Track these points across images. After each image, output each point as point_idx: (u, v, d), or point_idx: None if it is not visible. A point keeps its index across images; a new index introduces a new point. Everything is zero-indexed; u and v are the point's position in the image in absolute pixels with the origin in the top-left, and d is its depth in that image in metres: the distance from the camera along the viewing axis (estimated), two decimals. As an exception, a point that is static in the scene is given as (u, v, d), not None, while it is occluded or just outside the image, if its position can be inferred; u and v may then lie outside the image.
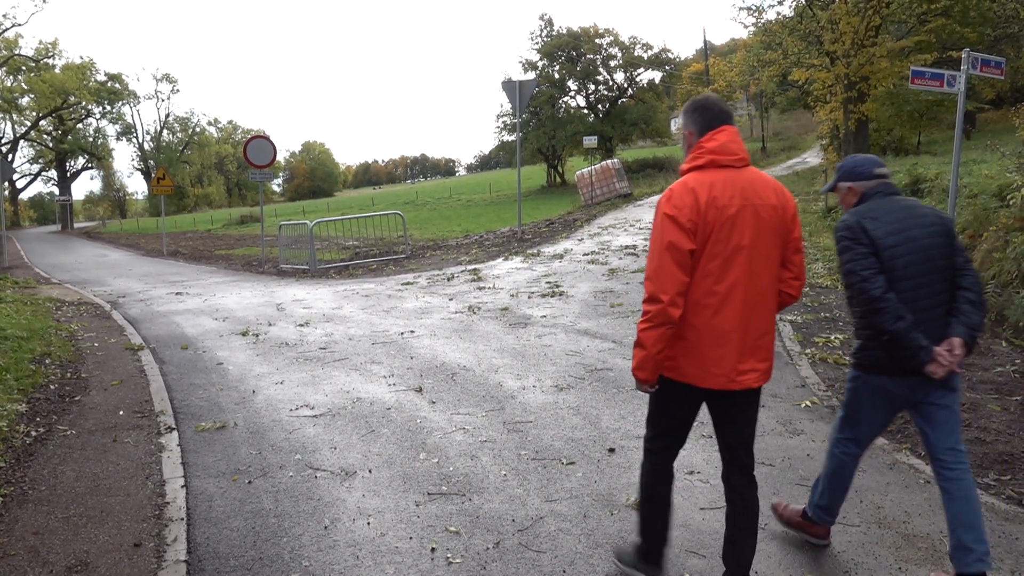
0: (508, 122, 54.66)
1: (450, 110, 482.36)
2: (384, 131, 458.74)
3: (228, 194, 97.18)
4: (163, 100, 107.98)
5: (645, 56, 55.24)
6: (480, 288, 12.06)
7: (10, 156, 59.15)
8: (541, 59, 55.17)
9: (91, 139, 68.91)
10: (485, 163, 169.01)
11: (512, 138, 52.47)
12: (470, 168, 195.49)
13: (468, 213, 38.10)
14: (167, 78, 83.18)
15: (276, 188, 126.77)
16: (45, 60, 61.41)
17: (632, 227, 19.83)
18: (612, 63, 55.88)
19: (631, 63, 55.38)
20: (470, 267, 14.99)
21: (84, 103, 63.87)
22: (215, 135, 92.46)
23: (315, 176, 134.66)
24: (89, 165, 72.07)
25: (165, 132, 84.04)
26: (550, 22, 56.50)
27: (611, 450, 4.96)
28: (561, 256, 15.43)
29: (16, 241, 38.87)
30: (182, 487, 4.62)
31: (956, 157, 8.61)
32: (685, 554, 3.65)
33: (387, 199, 66.12)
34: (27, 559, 3.78)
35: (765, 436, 5.15)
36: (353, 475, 4.72)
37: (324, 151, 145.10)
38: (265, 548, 3.84)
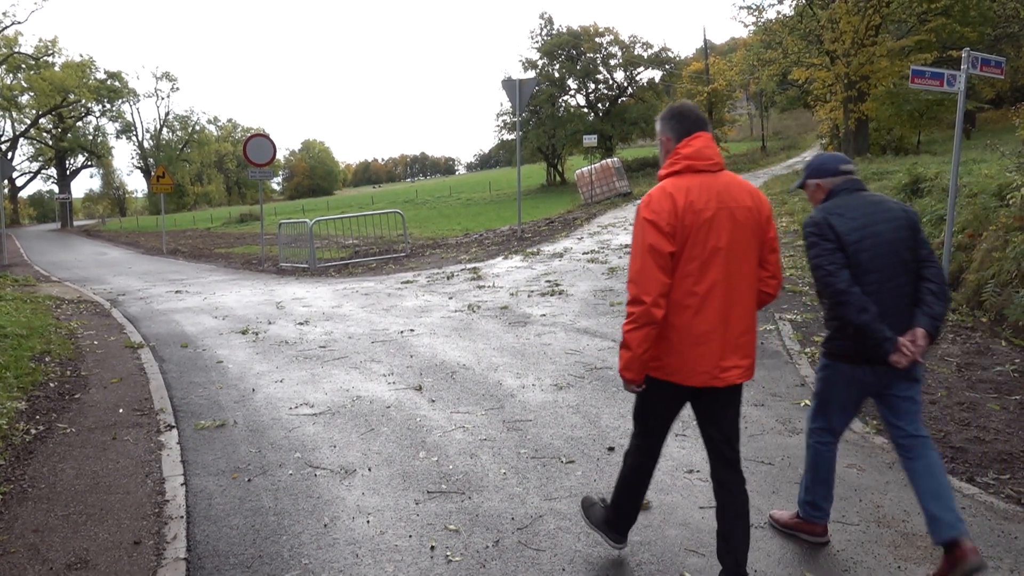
0: (508, 121, 54.69)
1: (450, 109, 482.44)
2: (384, 130, 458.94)
3: (228, 192, 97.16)
4: (163, 98, 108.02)
5: (645, 55, 55.26)
6: (480, 287, 12.06)
7: (10, 154, 59.15)
8: (541, 58, 55.21)
9: (91, 137, 68.85)
10: (485, 162, 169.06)
11: (512, 137, 52.47)
12: (470, 167, 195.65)
13: (468, 212, 38.11)
14: (167, 76, 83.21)
15: (276, 186, 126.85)
16: (45, 58, 61.38)
17: (632, 226, 19.81)
18: (612, 62, 55.91)
19: (631, 62, 55.41)
20: (470, 266, 15.00)
21: (84, 101, 63.82)
22: (215, 133, 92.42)
23: (315, 174, 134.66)
24: (89, 163, 72.04)
25: (165, 130, 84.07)
26: (550, 21, 56.58)
27: (610, 448, 4.96)
28: (561, 255, 15.43)
29: (16, 239, 38.86)
30: (182, 485, 4.63)
31: (956, 156, 8.62)
32: (684, 552, 3.65)
33: (387, 198, 66.13)
34: (27, 556, 3.79)
35: (764, 435, 5.16)
36: (353, 473, 4.73)
37: (324, 149, 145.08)
38: (265, 546, 3.84)
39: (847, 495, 4.21)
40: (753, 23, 32.36)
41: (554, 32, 55.98)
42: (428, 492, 4.41)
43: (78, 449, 5.30)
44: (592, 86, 56.72)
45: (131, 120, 76.14)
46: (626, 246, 15.64)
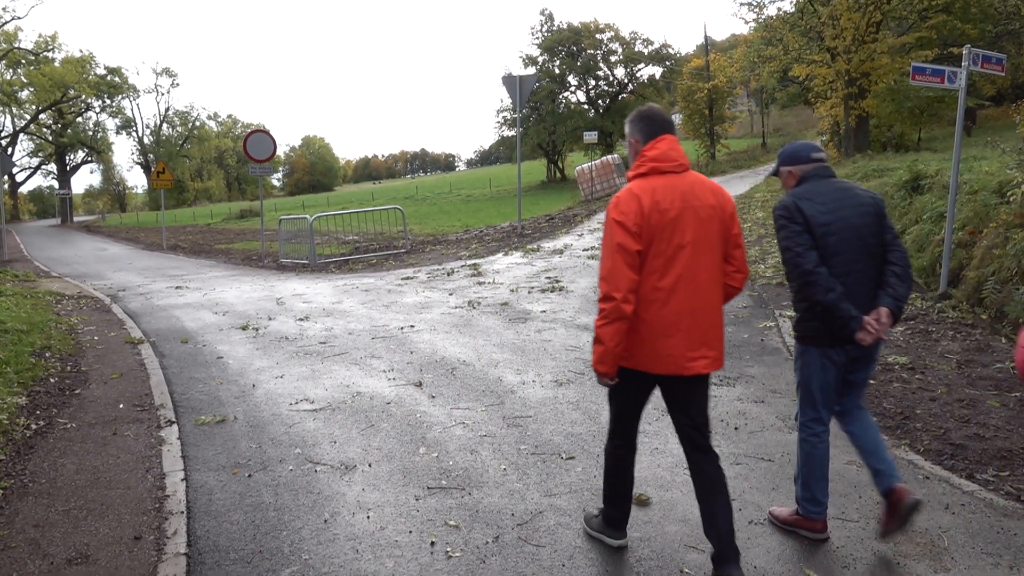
0: (508, 117, 54.65)
1: (450, 105, 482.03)
2: (384, 126, 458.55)
3: (228, 188, 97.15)
4: (163, 94, 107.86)
5: (646, 51, 55.21)
6: (480, 283, 12.06)
7: (10, 149, 59.04)
8: (541, 54, 55.15)
9: (91, 133, 68.75)
10: (485, 158, 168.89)
11: (512, 133, 52.42)
12: (470, 163, 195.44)
13: (468, 208, 38.09)
14: (167, 72, 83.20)
15: (276, 182, 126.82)
16: (45, 53, 61.24)
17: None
18: (612, 58, 55.86)
19: (632, 58, 55.33)
20: (470, 262, 14.99)
21: (84, 97, 63.73)
22: (215, 129, 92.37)
23: (315, 171, 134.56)
24: (89, 159, 71.95)
25: (165, 126, 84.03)
26: (551, 17, 56.47)
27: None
28: (561, 251, 15.43)
29: (16, 235, 38.83)
30: (182, 480, 4.63)
31: (956, 153, 8.61)
32: (684, 548, 3.66)
33: (387, 194, 66.09)
34: (27, 551, 3.79)
35: (764, 431, 5.17)
36: (353, 469, 4.73)
37: (324, 146, 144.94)
38: (265, 541, 3.85)
39: (846, 492, 4.22)
40: (754, 20, 32.29)
41: (555, 28, 55.91)
42: (428, 488, 4.42)
43: (78, 444, 5.30)
44: (593, 82, 56.67)
45: (131, 116, 76.20)
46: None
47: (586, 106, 56.30)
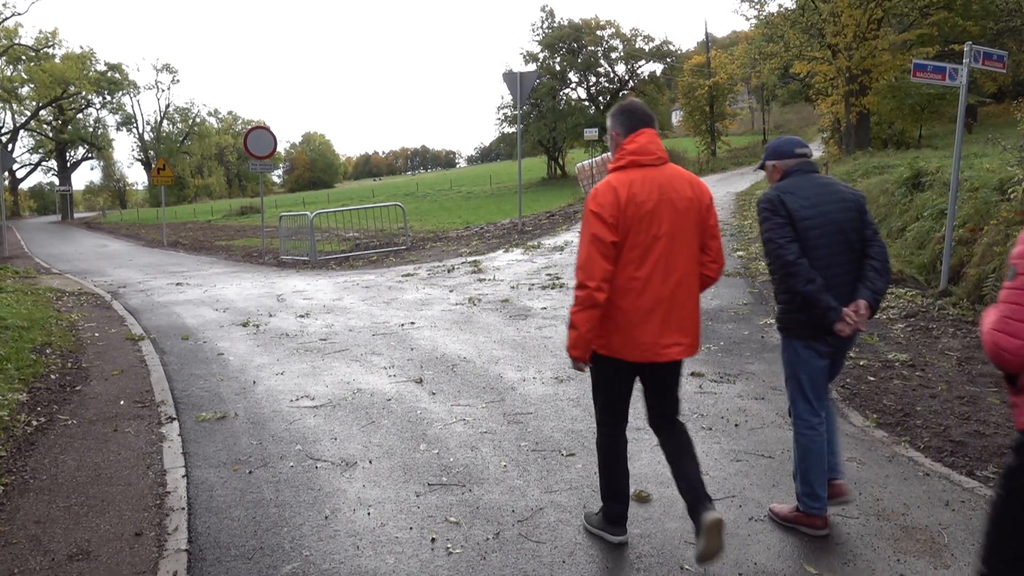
0: (509, 114, 54.59)
1: (451, 102, 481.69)
2: (385, 122, 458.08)
3: (228, 185, 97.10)
4: (163, 90, 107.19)
5: (646, 48, 55.14)
6: (480, 280, 12.07)
7: (10, 146, 59.02)
8: (542, 50, 55.08)
9: (91, 129, 68.75)
10: (486, 155, 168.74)
11: (513, 130, 52.38)
12: (470, 160, 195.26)
13: (468, 205, 38.08)
14: (167, 68, 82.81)
15: (276, 179, 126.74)
16: (45, 50, 61.23)
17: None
18: (613, 55, 55.79)
19: (632, 55, 55.27)
20: (470, 259, 14.99)
21: (84, 93, 63.73)
22: (215, 126, 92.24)
23: (315, 167, 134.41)
24: (89, 155, 71.96)
25: (165, 122, 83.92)
26: (551, 13, 56.35)
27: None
28: (561, 248, 15.42)
29: (16, 231, 38.83)
30: (183, 477, 4.64)
31: (957, 151, 8.60)
32: (684, 545, 3.66)
33: (387, 190, 66.08)
34: (29, 547, 3.80)
35: (764, 428, 5.17)
36: (353, 465, 4.74)
37: (324, 142, 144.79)
38: (266, 538, 3.85)
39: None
40: (755, 16, 32.24)
41: (555, 25, 55.82)
42: (429, 484, 4.42)
43: (79, 441, 5.31)
44: (593, 79, 56.63)
45: (131, 112, 76.13)
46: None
47: (587, 103, 56.24)
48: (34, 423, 5.62)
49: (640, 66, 56.51)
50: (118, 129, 76.51)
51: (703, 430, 5.14)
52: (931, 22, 26.60)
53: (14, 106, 61.08)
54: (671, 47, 55.74)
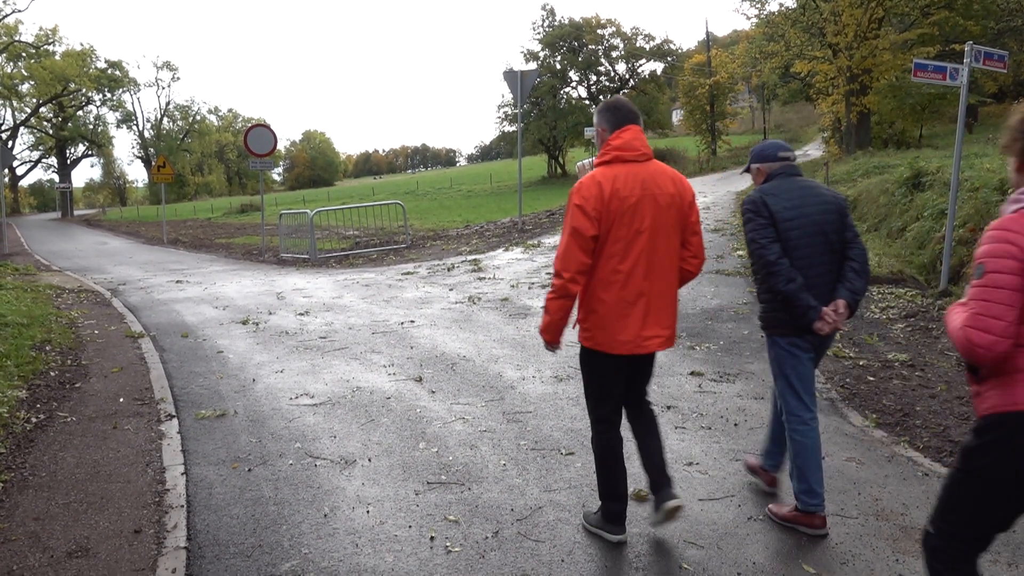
0: (509, 112, 54.54)
1: (451, 100, 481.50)
2: (385, 121, 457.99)
3: (228, 183, 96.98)
4: (163, 88, 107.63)
5: (647, 47, 55.08)
6: (480, 278, 12.06)
7: (10, 143, 59.03)
8: (543, 49, 55.01)
9: (91, 126, 68.77)
10: (486, 153, 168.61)
11: (513, 128, 52.37)
12: (471, 158, 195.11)
13: (468, 203, 38.05)
14: (167, 66, 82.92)
15: (276, 177, 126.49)
16: (45, 47, 61.23)
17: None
18: (614, 54, 55.73)
19: (633, 54, 55.22)
20: (470, 257, 14.99)
21: (84, 90, 63.71)
22: (215, 123, 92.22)
23: (316, 165, 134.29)
24: (89, 152, 71.94)
25: (165, 120, 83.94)
26: (552, 12, 56.28)
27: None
28: (561, 247, 15.39)
29: (16, 228, 38.84)
30: (182, 474, 4.64)
31: (958, 151, 8.60)
32: (683, 544, 3.66)
33: (388, 189, 66.03)
34: (28, 544, 3.80)
35: (764, 428, 5.15)
36: (353, 464, 4.74)
37: (325, 140, 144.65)
38: (265, 535, 3.85)
39: (846, 488, 4.22)
40: (755, 15, 32.26)
41: (556, 23, 55.75)
42: (428, 483, 4.42)
43: (79, 438, 5.31)
44: (594, 78, 56.56)
45: (132, 109, 76.16)
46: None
47: (587, 101, 56.17)
48: (33, 420, 5.62)
49: (641, 65, 56.49)
50: (118, 126, 76.72)
51: (702, 429, 5.14)
52: (932, 21, 26.60)
53: (14, 103, 61.09)
54: (672, 46, 55.71)
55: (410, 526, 3.90)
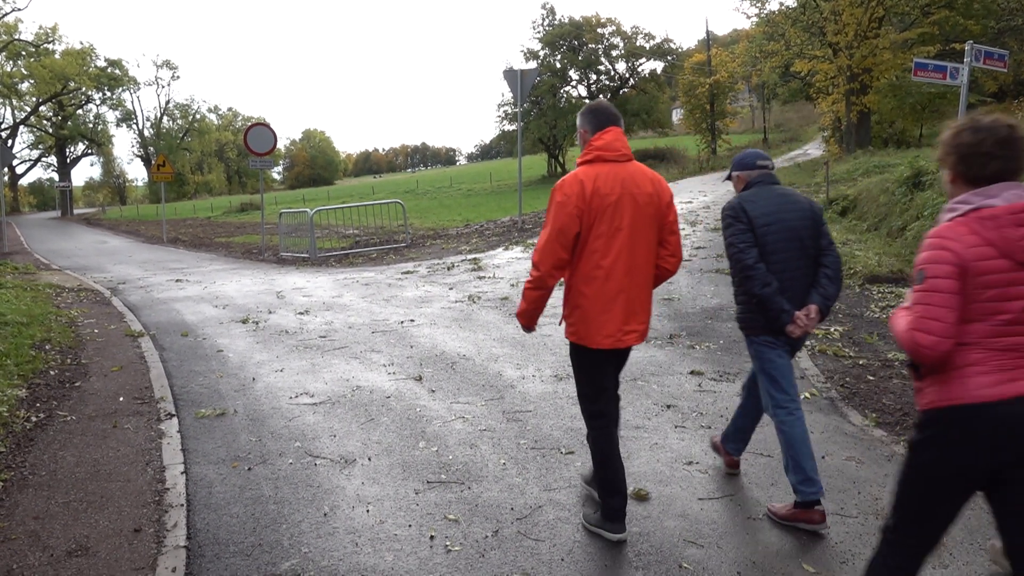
0: (509, 111, 54.50)
1: (451, 99, 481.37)
2: (385, 119, 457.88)
3: (228, 182, 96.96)
4: (163, 87, 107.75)
5: (647, 46, 55.05)
6: (480, 277, 12.06)
7: (10, 142, 59.03)
8: (543, 48, 54.96)
9: (91, 125, 68.70)
10: (486, 152, 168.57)
11: (513, 127, 52.34)
12: (471, 157, 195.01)
13: (468, 202, 38.04)
14: (167, 64, 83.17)
15: (276, 176, 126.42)
16: (45, 45, 61.21)
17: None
18: (614, 53, 55.70)
19: (633, 53, 55.19)
20: (470, 256, 14.99)
21: (84, 89, 63.66)
22: (215, 122, 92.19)
23: (315, 164, 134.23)
24: (89, 151, 71.90)
25: (165, 119, 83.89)
26: (552, 11, 56.22)
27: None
28: (561, 246, 15.37)
29: (16, 227, 38.83)
30: (182, 473, 4.64)
31: (958, 150, 8.58)
32: (683, 543, 3.66)
33: (387, 188, 66.02)
34: (27, 543, 3.80)
35: (764, 427, 5.15)
36: (352, 463, 4.74)
37: (325, 139, 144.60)
38: (265, 534, 3.85)
39: (846, 487, 4.22)
40: (755, 15, 32.25)
41: (556, 22, 55.70)
42: (428, 482, 4.42)
43: (78, 437, 5.31)
44: (594, 77, 56.53)
45: (131, 108, 76.02)
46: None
47: (587, 100, 56.08)
48: (33, 419, 5.62)
49: (641, 64, 56.45)
50: (118, 125, 76.62)
51: (702, 428, 5.14)
52: (932, 21, 26.59)
53: (14, 102, 61.05)
54: (672, 45, 55.65)
55: (410, 525, 3.90)
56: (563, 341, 7.55)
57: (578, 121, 3.72)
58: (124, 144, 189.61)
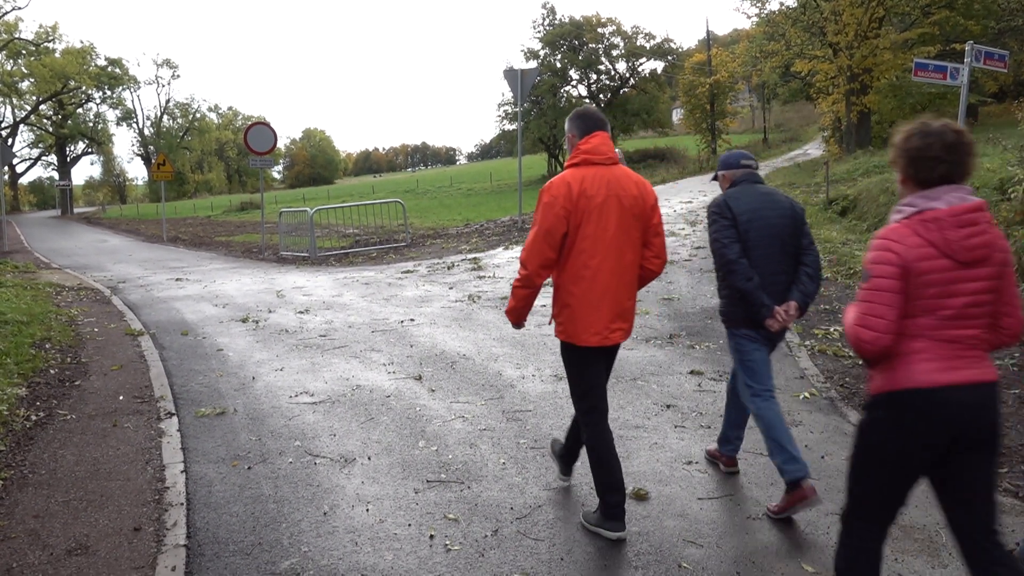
0: (509, 111, 54.49)
1: (451, 98, 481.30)
2: (385, 119, 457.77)
3: (228, 181, 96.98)
4: (163, 85, 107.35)
5: (647, 46, 55.04)
6: (480, 277, 12.07)
7: (10, 140, 58.98)
8: (543, 48, 54.96)
9: (91, 124, 68.70)
10: (486, 152, 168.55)
11: (513, 127, 52.34)
12: (471, 157, 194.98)
13: (469, 202, 38.05)
14: (167, 63, 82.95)
15: (276, 175, 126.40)
16: (45, 44, 61.21)
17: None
18: (614, 52, 55.69)
19: (633, 53, 55.18)
20: (470, 256, 14.99)
21: (84, 88, 63.68)
22: (215, 121, 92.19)
23: (315, 163, 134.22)
24: (89, 150, 71.90)
25: (165, 118, 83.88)
26: (552, 10, 56.21)
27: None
28: (561, 246, 15.38)
29: (16, 226, 38.82)
30: (182, 472, 4.64)
31: (958, 150, 8.58)
32: (683, 543, 3.67)
33: (387, 187, 66.03)
34: (27, 542, 3.80)
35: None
36: (352, 462, 4.74)
37: (325, 138, 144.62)
38: (264, 533, 3.85)
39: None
40: (756, 15, 32.22)
41: (556, 22, 55.70)
42: (427, 481, 4.43)
43: (78, 436, 5.31)
44: (594, 77, 56.53)
45: (131, 107, 76.04)
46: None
47: (588, 100, 56.10)
48: (33, 418, 5.62)
49: (641, 64, 56.44)
50: (118, 124, 76.55)
51: (702, 428, 5.15)
52: (932, 21, 26.59)
53: (14, 100, 61.05)
54: (672, 45, 55.64)
55: (409, 524, 3.90)
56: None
57: (566, 126, 3.81)
58: (124, 143, 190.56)
